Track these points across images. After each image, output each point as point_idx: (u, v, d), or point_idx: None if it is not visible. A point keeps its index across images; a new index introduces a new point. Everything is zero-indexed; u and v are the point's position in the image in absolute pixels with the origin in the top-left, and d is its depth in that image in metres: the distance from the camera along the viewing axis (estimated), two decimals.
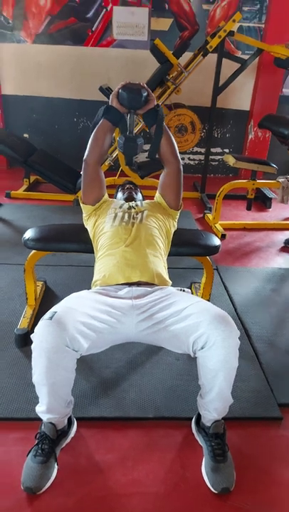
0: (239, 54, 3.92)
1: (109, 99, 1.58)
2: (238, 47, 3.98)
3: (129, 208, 1.66)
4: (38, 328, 1.17)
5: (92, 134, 1.58)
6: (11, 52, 3.97)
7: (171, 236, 1.69)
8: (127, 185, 1.90)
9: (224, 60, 3.42)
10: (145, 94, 1.54)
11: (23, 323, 1.85)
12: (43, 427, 1.28)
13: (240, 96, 4.18)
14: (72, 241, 1.85)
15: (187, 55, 3.44)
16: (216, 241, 1.90)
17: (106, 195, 1.71)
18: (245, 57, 3.56)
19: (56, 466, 1.26)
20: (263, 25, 3.92)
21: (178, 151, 1.63)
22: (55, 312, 1.19)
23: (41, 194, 3.60)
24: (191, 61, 3.40)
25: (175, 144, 1.62)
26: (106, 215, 1.63)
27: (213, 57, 3.40)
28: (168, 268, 1.58)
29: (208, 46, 3.29)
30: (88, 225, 1.69)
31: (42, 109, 4.16)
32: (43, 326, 1.16)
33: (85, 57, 3.99)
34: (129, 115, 1.58)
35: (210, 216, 3.27)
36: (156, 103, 1.57)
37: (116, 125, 1.59)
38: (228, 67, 3.47)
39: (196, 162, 4.47)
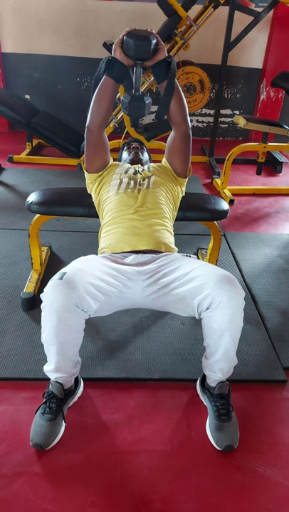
0: (252, 6, 3.65)
1: None
2: None
3: (135, 172, 1.59)
4: (48, 287, 1.18)
5: (94, 95, 1.43)
6: (10, 5, 3.75)
7: (178, 203, 1.64)
8: (133, 145, 1.82)
9: (236, 13, 3.21)
10: (154, 41, 1.32)
11: (28, 287, 1.85)
12: (50, 386, 1.30)
13: (253, 53, 3.97)
14: (76, 205, 1.81)
15: (197, 8, 3.22)
16: (225, 205, 1.85)
17: (111, 161, 1.64)
18: (259, 9, 3.34)
19: (64, 423, 1.29)
20: None
21: (188, 114, 1.49)
22: (65, 273, 1.19)
23: (44, 158, 3.52)
24: (200, 14, 3.19)
25: (186, 105, 1.47)
26: (111, 181, 1.56)
27: (224, 10, 3.19)
28: (174, 234, 1.55)
29: None
30: (92, 192, 1.64)
31: (44, 68, 3.99)
32: (53, 286, 1.16)
33: (88, 12, 3.77)
34: (136, 68, 1.38)
35: (218, 181, 3.19)
36: (167, 54, 1.39)
37: (120, 82, 1.42)
38: (241, 20, 3.27)
39: (205, 124, 4.31)
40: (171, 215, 1.55)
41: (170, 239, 1.49)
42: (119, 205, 1.48)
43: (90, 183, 1.62)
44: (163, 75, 1.39)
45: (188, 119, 1.50)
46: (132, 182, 1.53)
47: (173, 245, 1.48)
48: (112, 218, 1.47)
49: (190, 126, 1.52)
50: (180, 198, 1.64)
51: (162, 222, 1.47)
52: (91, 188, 1.63)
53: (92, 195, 1.64)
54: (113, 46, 1.38)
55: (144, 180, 1.55)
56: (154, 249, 1.40)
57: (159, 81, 1.42)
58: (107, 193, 1.54)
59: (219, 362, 1.29)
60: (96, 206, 1.63)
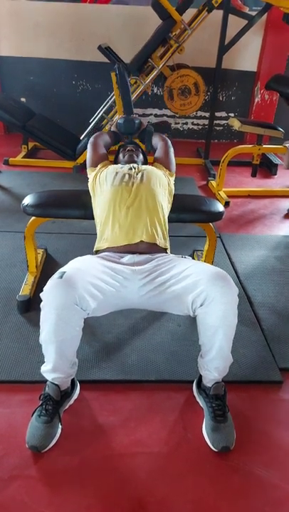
0: (246, 10, 3.70)
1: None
2: (245, 2, 3.76)
3: (130, 169, 1.65)
4: (48, 286, 1.19)
5: (91, 140, 1.84)
6: (6, 9, 3.76)
7: (172, 193, 1.70)
8: (129, 147, 1.85)
9: (230, 17, 3.24)
10: (138, 122, 1.94)
11: (24, 289, 1.84)
12: (47, 388, 1.30)
13: (247, 56, 4.00)
14: (72, 207, 1.82)
15: (191, 11, 3.24)
16: (220, 207, 1.86)
17: (107, 157, 1.77)
18: (253, 13, 3.37)
19: (60, 426, 1.28)
20: None
21: (171, 153, 1.87)
22: (64, 272, 1.20)
23: (40, 161, 3.52)
24: (195, 17, 3.21)
25: (170, 153, 1.87)
26: (106, 174, 1.63)
27: (218, 14, 3.21)
28: (170, 236, 1.57)
29: (213, 1, 3.10)
30: (90, 178, 1.72)
31: (39, 71, 3.99)
32: (53, 285, 1.18)
33: (83, 16, 3.78)
34: (126, 136, 1.98)
35: (214, 183, 3.20)
36: (145, 124, 1.97)
37: (116, 142, 1.98)
38: (235, 24, 3.29)
39: (200, 127, 4.33)
40: (165, 207, 1.60)
41: (164, 232, 1.53)
42: (114, 198, 1.52)
43: (89, 174, 1.75)
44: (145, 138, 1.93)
45: (172, 156, 1.87)
46: (126, 176, 1.59)
47: (167, 239, 1.53)
48: (107, 212, 1.51)
49: (170, 144, 1.91)
50: (173, 189, 1.72)
51: (157, 214, 1.51)
52: (89, 175, 1.74)
53: (89, 184, 1.70)
54: (111, 127, 2.00)
55: (137, 174, 1.61)
56: (148, 242, 1.44)
57: (143, 141, 1.93)
58: (103, 185, 1.60)
59: (214, 360, 1.30)
60: (91, 194, 1.68)
